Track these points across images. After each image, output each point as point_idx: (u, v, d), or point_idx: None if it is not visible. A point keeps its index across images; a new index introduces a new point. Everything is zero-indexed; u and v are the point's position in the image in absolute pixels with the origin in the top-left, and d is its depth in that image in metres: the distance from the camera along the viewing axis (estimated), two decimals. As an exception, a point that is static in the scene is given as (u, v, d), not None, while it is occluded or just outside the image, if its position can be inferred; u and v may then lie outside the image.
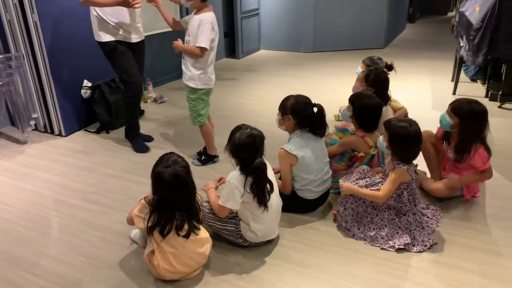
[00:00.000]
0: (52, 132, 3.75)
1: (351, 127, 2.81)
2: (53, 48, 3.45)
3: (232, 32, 6.60)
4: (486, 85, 4.63)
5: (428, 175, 2.75)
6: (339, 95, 4.65)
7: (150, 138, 3.60)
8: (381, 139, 2.29)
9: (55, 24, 3.42)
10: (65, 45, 3.54)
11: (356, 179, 2.31)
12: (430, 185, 2.59)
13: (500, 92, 4.19)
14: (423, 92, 4.75)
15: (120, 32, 3.09)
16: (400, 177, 2.18)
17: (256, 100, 4.64)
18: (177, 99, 4.72)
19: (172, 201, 1.85)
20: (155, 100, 4.61)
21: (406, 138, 2.15)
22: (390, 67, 3.37)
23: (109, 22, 3.05)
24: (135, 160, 3.25)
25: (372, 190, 2.23)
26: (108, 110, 3.78)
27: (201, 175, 2.92)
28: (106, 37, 3.08)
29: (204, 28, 2.71)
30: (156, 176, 1.83)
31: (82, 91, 3.76)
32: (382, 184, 2.25)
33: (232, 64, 6.37)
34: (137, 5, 2.88)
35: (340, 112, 2.80)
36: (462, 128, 2.40)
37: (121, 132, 3.76)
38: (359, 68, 3.46)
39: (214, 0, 6.12)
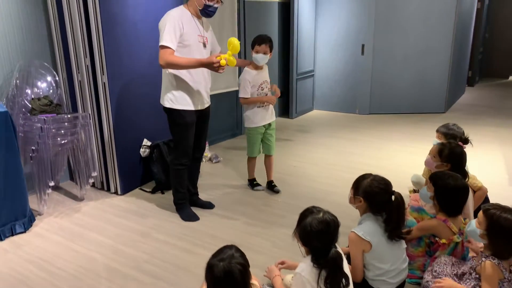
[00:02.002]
0: (108, 189, 3.75)
1: (427, 206, 2.53)
2: (118, 108, 3.51)
3: (287, 92, 6.62)
4: None
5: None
6: (397, 162, 4.40)
7: (210, 205, 3.41)
8: (474, 224, 1.98)
9: (122, 85, 3.51)
10: (130, 104, 3.61)
11: (439, 273, 2.02)
12: None
13: None
14: (495, 165, 4.36)
15: (193, 100, 2.97)
16: (495, 272, 1.87)
17: (310, 164, 4.47)
18: (232, 158, 4.65)
19: None
20: (210, 160, 4.56)
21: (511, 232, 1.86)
22: (466, 140, 3.10)
23: (184, 90, 2.92)
24: (187, 225, 3.12)
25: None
26: (165, 170, 3.74)
27: (258, 249, 2.71)
28: (176, 105, 2.94)
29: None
30: (208, 268, 1.62)
31: (141, 149, 3.77)
32: (471, 276, 1.94)
33: (285, 124, 6.31)
34: (221, 71, 2.72)
35: (421, 194, 2.50)
36: None
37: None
38: (435, 139, 3.20)
39: (271, 62, 6.19)
